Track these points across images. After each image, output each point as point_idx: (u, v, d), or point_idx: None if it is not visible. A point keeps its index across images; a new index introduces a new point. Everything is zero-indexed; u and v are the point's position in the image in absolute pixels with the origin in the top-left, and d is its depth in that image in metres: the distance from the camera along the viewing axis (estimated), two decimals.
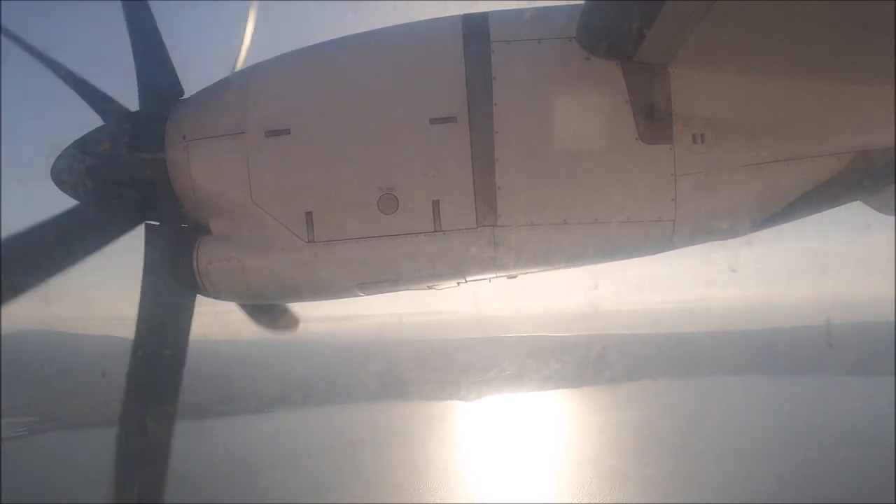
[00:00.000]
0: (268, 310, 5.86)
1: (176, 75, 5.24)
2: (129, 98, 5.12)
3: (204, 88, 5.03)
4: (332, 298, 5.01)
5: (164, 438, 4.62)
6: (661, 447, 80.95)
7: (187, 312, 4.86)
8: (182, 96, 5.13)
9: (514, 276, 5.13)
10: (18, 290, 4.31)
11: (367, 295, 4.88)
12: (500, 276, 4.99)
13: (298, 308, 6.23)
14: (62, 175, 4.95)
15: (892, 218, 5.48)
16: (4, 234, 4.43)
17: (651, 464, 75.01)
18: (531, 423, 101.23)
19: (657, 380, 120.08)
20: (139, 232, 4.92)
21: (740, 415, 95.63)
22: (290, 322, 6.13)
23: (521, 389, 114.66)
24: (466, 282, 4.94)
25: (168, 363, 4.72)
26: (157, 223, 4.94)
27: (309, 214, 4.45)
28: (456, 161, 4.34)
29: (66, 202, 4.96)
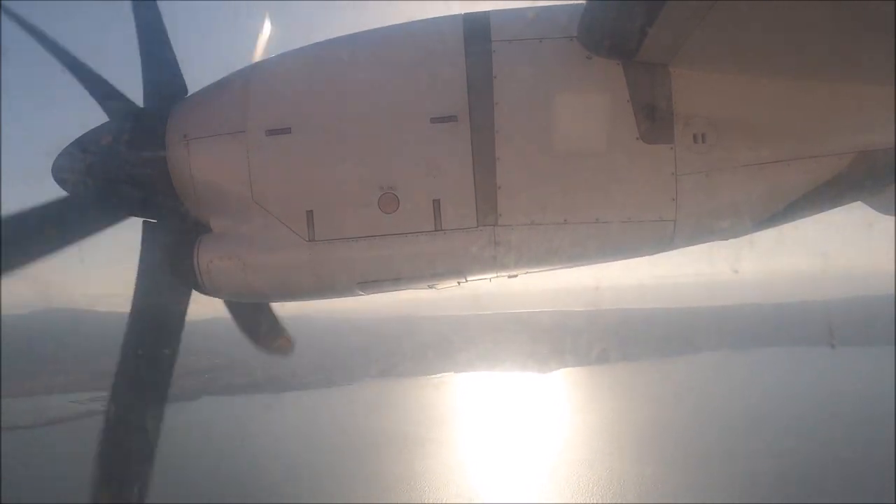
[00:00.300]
0: (264, 330, 5.84)
1: (180, 74, 5.24)
2: (130, 96, 5.13)
3: (205, 87, 5.03)
4: (333, 297, 5.01)
5: (152, 437, 4.61)
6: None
7: (182, 311, 4.87)
8: (184, 95, 5.13)
9: (515, 276, 5.12)
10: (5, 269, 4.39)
11: (368, 294, 4.87)
12: (501, 276, 4.98)
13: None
14: (63, 173, 4.95)
15: (893, 217, 5.49)
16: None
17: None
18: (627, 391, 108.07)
19: (664, 358, 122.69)
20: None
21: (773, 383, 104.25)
22: (285, 345, 6.05)
23: (596, 363, 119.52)
24: (467, 281, 4.93)
25: (161, 361, 4.73)
26: (155, 221, 4.95)
27: (310, 213, 4.45)
28: (457, 160, 4.34)
29: None
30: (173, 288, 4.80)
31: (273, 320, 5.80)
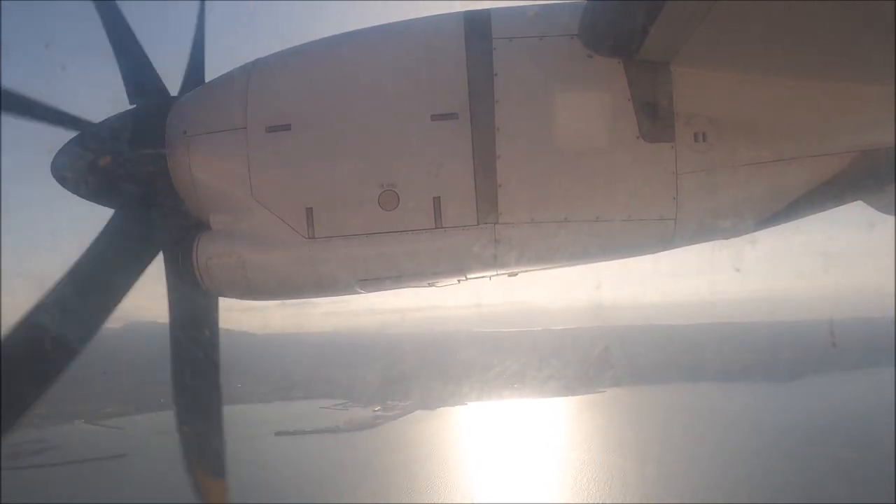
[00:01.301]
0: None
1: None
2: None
3: (205, 84, 5.02)
4: (333, 295, 5.01)
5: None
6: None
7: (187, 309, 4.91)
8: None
9: (515, 274, 5.12)
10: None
11: (368, 292, 4.87)
12: (501, 274, 4.98)
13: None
14: (62, 171, 4.95)
15: (893, 217, 5.48)
16: (5, 236, 4.47)
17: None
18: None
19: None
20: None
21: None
22: None
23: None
24: (467, 279, 4.93)
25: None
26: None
27: (309, 210, 4.45)
28: (457, 158, 4.34)
29: (67, 199, 5.01)
30: (176, 288, 4.83)
31: None
